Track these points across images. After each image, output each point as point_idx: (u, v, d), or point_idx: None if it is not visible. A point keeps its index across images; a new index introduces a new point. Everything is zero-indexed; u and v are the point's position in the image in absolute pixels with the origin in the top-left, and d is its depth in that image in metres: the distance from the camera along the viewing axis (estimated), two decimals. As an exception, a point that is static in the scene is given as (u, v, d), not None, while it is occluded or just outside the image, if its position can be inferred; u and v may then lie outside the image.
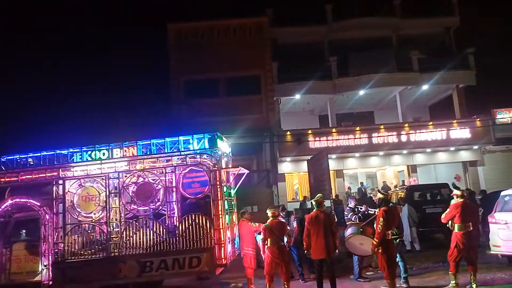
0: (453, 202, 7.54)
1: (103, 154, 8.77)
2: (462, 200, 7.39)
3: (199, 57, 19.73)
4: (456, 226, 7.24)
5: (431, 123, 19.38)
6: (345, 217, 9.11)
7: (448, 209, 7.44)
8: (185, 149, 8.62)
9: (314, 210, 7.67)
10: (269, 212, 7.88)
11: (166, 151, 8.68)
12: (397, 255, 8.13)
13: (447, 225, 7.50)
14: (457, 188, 8.30)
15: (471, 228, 7.23)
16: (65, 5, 35.77)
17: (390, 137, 18.67)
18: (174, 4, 34.70)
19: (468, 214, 7.26)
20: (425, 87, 20.30)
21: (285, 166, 19.57)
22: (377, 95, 21.29)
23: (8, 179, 9.08)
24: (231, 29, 20.42)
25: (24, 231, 9.52)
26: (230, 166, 9.48)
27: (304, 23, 20.66)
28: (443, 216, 7.49)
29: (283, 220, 8.62)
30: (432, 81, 19.88)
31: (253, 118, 18.86)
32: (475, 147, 19.37)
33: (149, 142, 8.77)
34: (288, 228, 8.99)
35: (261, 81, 20.03)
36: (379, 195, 7.57)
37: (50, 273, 8.47)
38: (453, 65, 19.78)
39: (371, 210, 8.83)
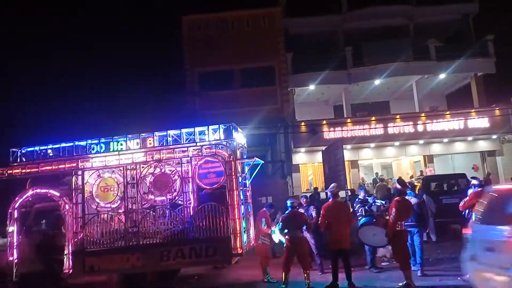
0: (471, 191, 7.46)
1: (121, 145, 8.90)
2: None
3: (213, 49, 19.78)
4: (474, 214, 7.12)
5: (448, 112, 19.08)
6: (354, 209, 9.09)
7: (467, 197, 7.34)
8: (201, 140, 8.69)
9: (330, 200, 7.66)
10: (288, 202, 7.94)
11: (182, 142, 8.76)
12: (419, 244, 8.15)
13: (463, 213, 7.41)
14: (475, 178, 8.17)
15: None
16: (80, -1, 36.08)
17: (406, 127, 18.44)
18: (187, -5, 34.61)
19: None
20: (442, 76, 19.93)
21: (300, 157, 19.54)
22: (393, 85, 21.00)
23: (29, 170, 9.31)
24: (244, 20, 20.37)
25: (44, 221, 9.79)
26: (245, 156, 9.52)
27: (319, 13, 20.42)
28: (461, 203, 7.39)
29: (301, 211, 8.66)
30: (450, 70, 19.48)
31: (267, 109, 18.85)
32: (494, 136, 19.00)
33: (166, 133, 8.86)
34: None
35: (275, 72, 19.97)
36: (398, 186, 7.48)
37: (70, 262, 8.69)
38: (471, 53, 19.31)
39: (378, 202, 8.77)
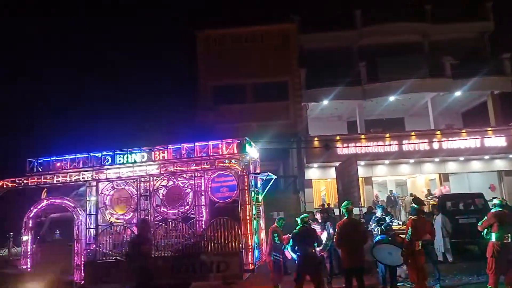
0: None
1: (135, 157, 8.96)
2: (501, 209, 7.12)
3: (226, 64, 19.99)
4: (493, 235, 6.95)
5: (464, 130, 18.81)
6: (370, 227, 8.91)
7: (486, 217, 7.18)
8: (214, 154, 8.70)
9: (345, 218, 7.53)
10: (299, 219, 7.81)
11: (195, 156, 8.78)
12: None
13: (482, 233, 7.23)
14: (496, 198, 8.01)
15: (510, 240, 6.93)
16: (96, 12, 36.98)
17: (421, 145, 18.22)
18: (202, 11, 35.29)
19: (508, 225, 6.96)
20: (458, 93, 19.72)
21: (312, 172, 19.41)
22: (408, 101, 20.84)
23: (44, 180, 9.44)
24: (259, 36, 20.59)
25: (58, 231, 9.85)
26: (258, 171, 9.49)
27: (333, 29, 20.54)
28: (480, 223, 7.23)
29: (315, 227, 8.54)
30: (466, 87, 19.29)
31: (280, 124, 18.85)
32: (511, 156, 18.63)
33: (179, 146, 8.90)
34: (323, 234, 8.90)
35: (289, 87, 20.05)
36: (414, 205, 7.33)
37: (82, 273, 8.71)
38: (487, 71, 19.10)
39: (395, 222, 8.59)
